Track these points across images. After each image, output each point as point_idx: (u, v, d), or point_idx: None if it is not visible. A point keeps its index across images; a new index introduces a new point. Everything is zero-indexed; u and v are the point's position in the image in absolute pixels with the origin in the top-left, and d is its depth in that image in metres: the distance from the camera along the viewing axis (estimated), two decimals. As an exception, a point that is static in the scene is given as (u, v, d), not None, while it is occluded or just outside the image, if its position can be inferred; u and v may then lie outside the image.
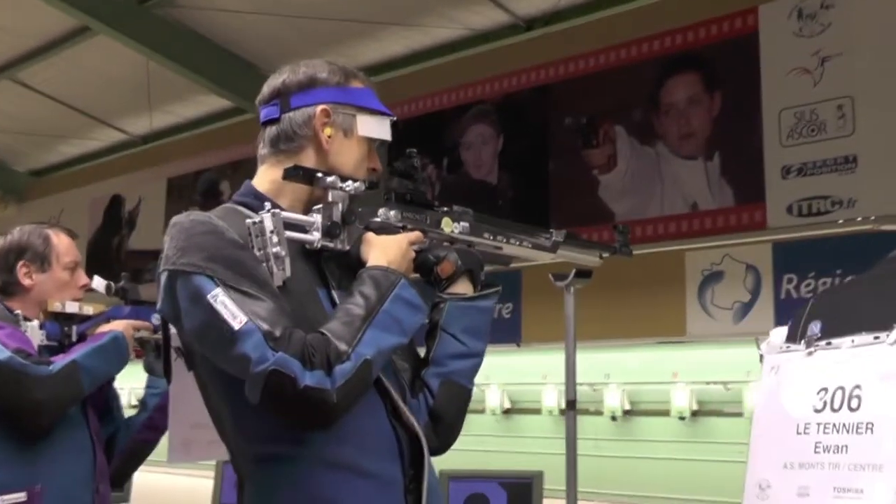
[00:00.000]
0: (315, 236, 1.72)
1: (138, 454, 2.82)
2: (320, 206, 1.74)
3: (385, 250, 1.75)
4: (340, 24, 5.80)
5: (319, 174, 1.74)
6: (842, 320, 1.36)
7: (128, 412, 2.92)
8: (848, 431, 1.29)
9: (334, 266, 1.78)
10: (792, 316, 1.48)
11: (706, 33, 4.96)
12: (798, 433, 1.35)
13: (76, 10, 6.04)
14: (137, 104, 7.38)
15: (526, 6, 5.64)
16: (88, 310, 2.68)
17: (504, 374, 5.65)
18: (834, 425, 1.30)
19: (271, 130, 1.84)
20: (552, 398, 5.50)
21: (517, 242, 2.07)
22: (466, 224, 1.96)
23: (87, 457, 2.59)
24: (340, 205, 1.75)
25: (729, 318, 4.87)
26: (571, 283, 2.71)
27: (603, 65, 5.39)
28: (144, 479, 3.01)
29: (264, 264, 1.63)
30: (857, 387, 1.27)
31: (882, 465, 1.22)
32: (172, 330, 1.79)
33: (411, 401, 1.78)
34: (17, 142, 8.82)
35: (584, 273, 2.59)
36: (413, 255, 1.81)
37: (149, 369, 2.80)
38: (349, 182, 1.76)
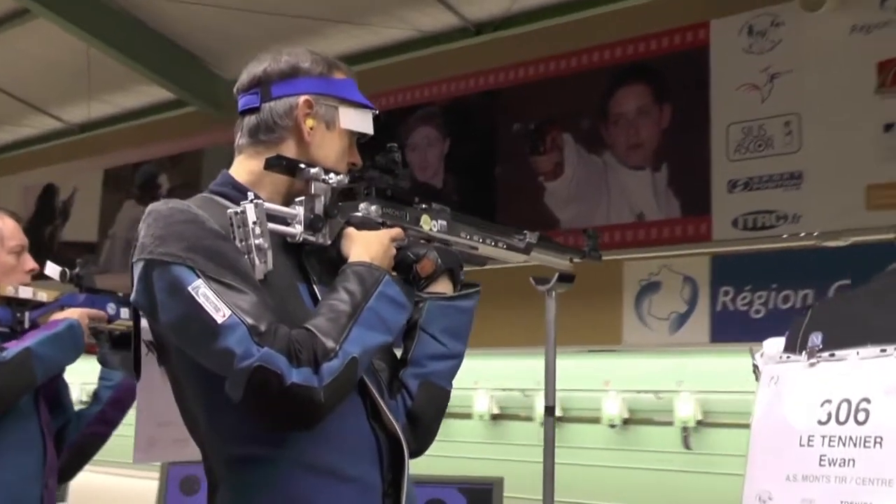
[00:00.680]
0: (297, 229, 1.68)
1: (88, 449, 2.73)
2: (302, 198, 1.70)
3: (367, 246, 1.71)
4: (289, 20, 5.72)
5: (302, 165, 1.70)
6: (844, 332, 1.34)
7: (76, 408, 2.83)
8: (855, 445, 1.28)
9: (315, 261, 1.74)
10: (789, 327, 1.47)
11: (657, 45, 4.99)
12: (801, 445, 1.33)
13: (16, -9, 5.88)
14: (76, 92, 7.15)
15: (477, 10, 5.62)
16: (43, 296, 2.59)
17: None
18: (840, 438, 1.29)
19: (250, 120, 1.79)
20: (483, 403, 5.54)
21: (492, 243, 2.06)
22: (444, 222, 1.94)
23: (38, 450, 2.50)
24: (323, 198, 1.71)
25: (665, 329, 4.92)
26: (554, 287, 2.70)
27: (553, 72, 5.40)
28: (84, 478, 2.91)
29: (246, 256, 1.58)
30: (865, 400, 1.26)
31: (892, 480, 1.20)
32: (144, 323, 1.73)
33: (389, 402, 1.74)
34: (-51, 127, 8.56)
35: (566, 277, 2.59)
36: (394, 252, 1.78)
37: (103, 361, 2.72)
38: (332, 175, 1.72)
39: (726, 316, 4.80)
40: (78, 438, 2.71)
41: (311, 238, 1.69)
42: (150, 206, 1.64)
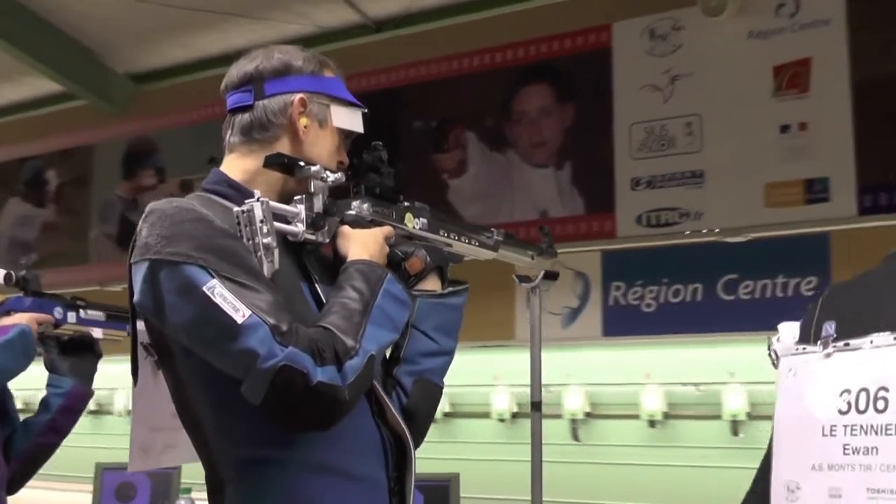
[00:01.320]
0: (299, 228, 1.67)
1: (38, 458, 2.62)
2: (301, 196, 1.70)
3: (364, 244, 1.72)
4: (187, 13, 5.60)
5: (302, 163, 1.70)
6: (856, 320, 1.40)
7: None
8: (876, 433, 1.33)
9: (314, 260, 1.74)
10: (803, 314, 1.53)
11: (560, 46, 5.08)
12: (824, 435, 1.37)
13: None
14: (-44, 82, 6.86)
15: (377, 8, 5.62)
16: None
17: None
18: (861, 427, 1.34)
19: (243, 118, 1.77)
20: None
21: (466, 240, 2.09)
22: (425, 220, 1.96)
23: None
24: (322, 196, 1.71)
25: (558, 323, 5.02)
26: (539, 284, 2.75)
27: (455, 70, 5.43)
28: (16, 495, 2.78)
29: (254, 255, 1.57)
30: (883, 388, 1.32)
31: (915, 466, 1.29)
32: (140, 325, 1.69)
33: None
34: None
35: (551, 275, 2.63)
36: (388, 249, 1.80)
37: (51, 367, 2.60)
38: (329, 172, 1.73)
39: (618, 310, 4.94)
40: (28, 448, 2.59)
41: (311, 237, 1.69)
42: (151, 205, 1.60)
